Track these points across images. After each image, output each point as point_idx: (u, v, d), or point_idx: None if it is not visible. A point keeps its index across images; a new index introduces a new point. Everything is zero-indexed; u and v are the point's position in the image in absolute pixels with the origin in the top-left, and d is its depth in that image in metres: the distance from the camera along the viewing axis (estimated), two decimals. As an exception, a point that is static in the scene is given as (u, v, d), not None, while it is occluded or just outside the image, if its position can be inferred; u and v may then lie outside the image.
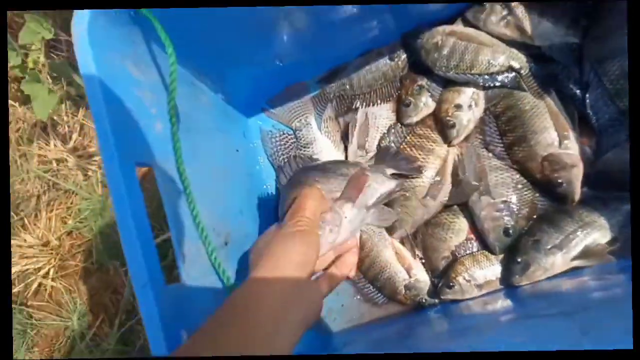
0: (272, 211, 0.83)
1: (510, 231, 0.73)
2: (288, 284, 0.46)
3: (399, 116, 0.85)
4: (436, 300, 0.77)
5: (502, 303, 0.66)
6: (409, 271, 0.79)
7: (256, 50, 0.76)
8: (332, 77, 0.89)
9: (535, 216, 0.75)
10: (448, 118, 0.79)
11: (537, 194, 0.75)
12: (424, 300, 0.77)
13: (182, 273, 0.51)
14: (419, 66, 0.84)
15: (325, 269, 0.60)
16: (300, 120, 0.89)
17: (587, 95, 0.72)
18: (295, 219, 0.54)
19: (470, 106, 0.79)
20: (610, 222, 0.70)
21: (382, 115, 0.87)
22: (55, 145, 1.11)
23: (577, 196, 0.71)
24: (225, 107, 0.82)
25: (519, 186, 0.76)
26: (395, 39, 0.85)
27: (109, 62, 0.52)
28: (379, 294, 0.81)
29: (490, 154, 0.79)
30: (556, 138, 0.72)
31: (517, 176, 0.76)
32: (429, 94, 0.83)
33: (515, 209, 0.74)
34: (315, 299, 0.49)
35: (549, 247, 0.70)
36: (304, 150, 0.87)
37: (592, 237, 0.70)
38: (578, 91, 0.74)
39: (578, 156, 0.72)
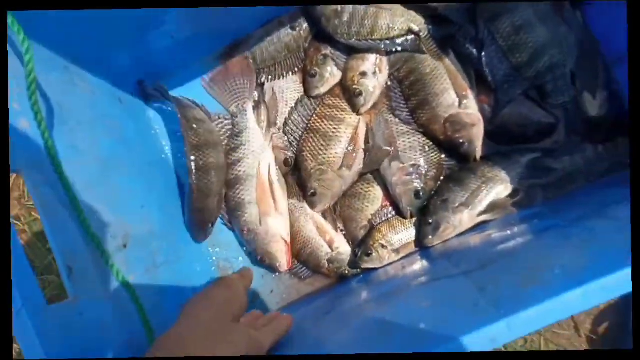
0: (180, 202, 0.79)
1: (421, 193, 0.75)
2: (213, 326, 0.47)
3: (306, 88, 0.82)
4: (358, 270, 0.78)
5: (415, 267, 0.68)
6: (330, 244, 0.79)
7: (142, 26, 0.68)
8: (233, 51, 0.84)
9: (442, 177, 0.77)
10: (354, 86, 0.77)
11: (443, 155, 0.78)
12: (346, 272, 0.78)
13: (70, 288, 0.46)
14: (322, 35, 0.81)
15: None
16: (238, 105, 0.82)
17: (483, 54, 0.74)
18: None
19: (374, 73, 0.78)
20: (510, 175, 0.74)
21: (289, 89, 0.83)
22: None
23: (479, 154, 0.74)
24: (114, 91, 0.74)
25: (426, 148, 0.77)
26: (296, 7, 0.81)
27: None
28: (303, 268, 0.81)
29: (398, 119, 0.79)
30: (456, 99, 0.74)
31: (424, 139, 0.77)
32: (334, 62, 0.80)
33: (423, 172, 0.76)
34: (245, 338, 0.47)
35: (456, 205, 0.73)
36: (235, 140, 0.81)
37: (495, 191, 0.73)
38: (475, 50, 0.75)
39: (478, 115, 0.74)
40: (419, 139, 0.78)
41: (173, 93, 0.84)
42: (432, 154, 0.77)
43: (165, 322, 0.56)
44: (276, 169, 0.80)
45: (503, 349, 0.79)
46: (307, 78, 0.81)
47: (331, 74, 0.80)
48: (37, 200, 0.48)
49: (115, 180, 0.64)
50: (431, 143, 0.77)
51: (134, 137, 0.75)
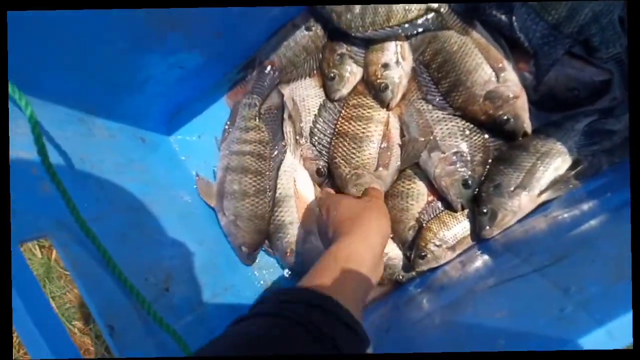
0: (217, 227, 0.77)
1: (469, 182, 0.67)
2: (378, 253, 0.52)
3: (327, 92, 0.77)
4: (413, 274, 0.72)
5: (477, 264, 0.61)
6: None
7: (148, 64, 0.66)
8: (250, 66, 0.81)
9: (490, 159, 0.70)
10: (379, 81, 0.72)
11: (487, 136, 0.70)
12: (401, 277, 0.73)
13: (114, 347, 0.44)
14: (336, 34, 0.76)
15: None
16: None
17: (514, 18, 0.66)
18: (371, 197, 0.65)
19: (397, 62, 0.72)
20: (567, 145, 0.65)
21: (309, 95, 0.79)
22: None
23: (528, 127, 0.66)
24: (134, 131, 0.73)
25: (467, 132, 0.70)
26: (305, 7, 0.76)
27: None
28: None
29: (431, 106, 0.72)
30: (492, 73, 0.67)
31: (463, 122, 0.70)
32: (352, 60, 0.75)
33: (468, 158, 0.69)
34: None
35: (511, 188, 0.65)
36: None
37: (553, 166, 0.65)
38: (503, 16, 0.67)
39: (519, 86, 0.66)
40: (457, 123, 0.70)
41: (196, 121, 0.83)
42: (475, 137, 0.69)
43: None
44: (313, 184, 0.76)
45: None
46: (327, 82, 0.76)
47: (351, 73, 0.75)
48: (68, 261, 0.46)
49: (150, 224, 0.62)
50: (471, 126, 0.70)
51: (162, 174, 0.73)
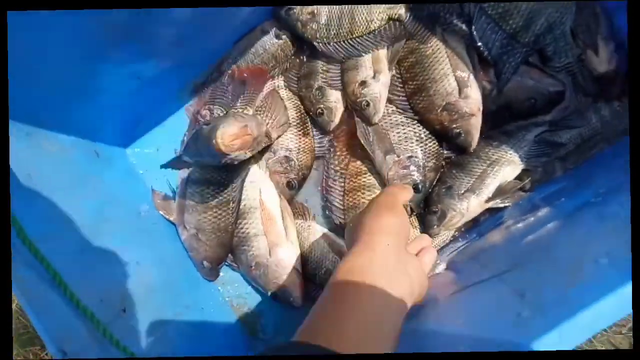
0: (177, 242, 0.75)
1: (420, 186, 0.69)
2: (389, 256, 0.45)
3: (321, 127, 0.76)
4: None
5: (440, 271, 0.62)
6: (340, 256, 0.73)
7: (101, 74, 0.64)
8: (214, 73, 0.79)
9: (442, 166, 0.72)
10: (359, 100, 0.71)
11: (442, 144, 0.72)
12: None
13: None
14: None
15: None
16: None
17: (473, 27, 0.68)
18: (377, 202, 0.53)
19: (374, 77, 0.71)
20: (518, 153, 0.68)
21: (286, 134, 0.77)
22: None
23: (474, 146, 0.68)
24: (88, 145, 0.70)
25: (423, 137, 0.72)
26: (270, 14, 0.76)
27: None
28: (320, 290, 0.75)
29: (391, 109, 0.73)
30: (455, 87, 0.68)
31: (420, 128, 0.72)
32: (331, 87, 0.75)
33: (421, 163, 0.70)
34: (417, 269, 0.46)
35: (462, 191, 0.68)
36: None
37: (502, 174, 0.67)
38: (464, 25, 0.69)
39: (478, 105, 0.68)
40: (414, 128, 0.72)
41: (154, 133, 0.81)
42: (430, 144, 0.72)
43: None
44: (279, 195, 0.75)
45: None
46: (317, 119, 0.75)
47: (336, 100, 0.75)
48: (16, 285, 0.43)
49: (106, 242, 0.59)
50: (428, 132, 0.72)
51: (118, 189, 0.71)
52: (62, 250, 0.50)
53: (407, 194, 0.57)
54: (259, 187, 0.74)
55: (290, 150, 0.75)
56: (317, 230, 0.76)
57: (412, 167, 0.70)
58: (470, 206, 0.67)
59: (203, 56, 0.78)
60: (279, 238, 0.72)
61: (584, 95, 0.68)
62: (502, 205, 0.67)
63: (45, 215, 0.52)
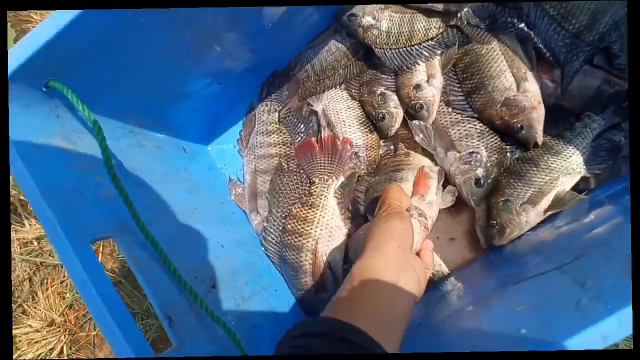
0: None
1: (482, 181, 0.71)
2: (397, 255, 0.50)
3: (381, 132, 0.79)
4: (444, 273, 0.74)
5: (504, 265, 0.65)
6: None
7: (190, 80, 0.73)
8: (289, 71, 0.86)
9: (506, 163, 0.73)
10: (413, 102, 0.74)
11: (504, 139, 0.73)
12: (432, 275, 0.73)
13: (173, 336, 0.50)
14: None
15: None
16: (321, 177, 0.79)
17: (534, 29, 0.69)
18: (385, 207, 0.58)
19: (428, 80, 0.75)
20: (577, 161, 0.68)
21: (342, 108, 0.82)
22: (30, 225, 1.09)
23: (540, 139, 0.69)
24: (177, 142, 0.79)
25: (485, 134, 0.73)
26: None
27: (34, 149, 0.49)
28: None
29: (450, 108, 0.76)
30: (513, 82, 0.70)
31: (480, 125, 0.74)
32: (393, 94, 0.78)
33: (484, 158, 0.72)
34: (421, 267, 0.53)
35: (519, 204, 0.68)
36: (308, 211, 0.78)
37: (561, 183, 0.67)
38: (524, 26, 0.70)
39: (538, 98, 0.69)
40: (474, 125, 0.74)
41: (231, 131, 0.89)
42: (492, 139, 0.73)
43: (262, 349, 0.58)
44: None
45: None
46: (378, 123, 0.79)
47: (397, 107, 0.78)
48: (131, 260, 0.52)
49: (195, 227, 0.68)
50: (488, 128, 0.74)
51: (202, 182, 0.79)
52: (162, 233, 0.58)
53: (409, 201, 0.63)
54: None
55: (358, 147, 0.79)
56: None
57: (473, 162, 0.72)
58: (529, 219, 0.68)
59: (275, 61, 0.85)
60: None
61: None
62: (560, 210, 0.67)
63: (148, 202, 0.61)
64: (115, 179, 0.52)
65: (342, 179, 0.78)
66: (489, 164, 0.72)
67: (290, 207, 0.77)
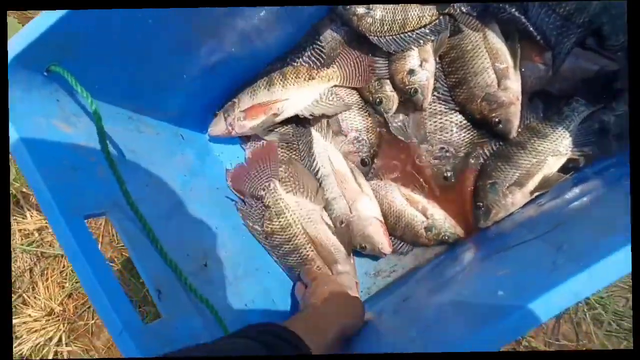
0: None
1: (449, 174, 0.75)
2: (341, 302, 0.62)
3: (380, 115, 0.82)
4: (457, 235, 0.76)
5: (490, 237, 0.66)
6: (424, 212, 0.78)
7: (190, 68, 0.74)
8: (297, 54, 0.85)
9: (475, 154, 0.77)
10: (407, 87, 0.76)
11: (477, 134, 0.76)
12: (446, 237, 0.76)
13: (162, 308, 0.51)
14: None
15: None
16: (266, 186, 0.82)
17: (526, 13, 0.70)
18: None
19: (421, 65, 0.76)
20: (563, 143, 0.69)
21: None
22: (32, 216, 1.11)
23: (514, 134, 0.71)
24: (175, 129, 0.81)
25: (460, 128, 0.76)
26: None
27: (33, 128, 0.51)
28: (402, 243, 0.81)
29: (434, 96, 0.78)
30: (494, 79, 0.72)
31: (458, 118, 0.76)
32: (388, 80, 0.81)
33: (453, 152, 0.76)
34: (358, 311, 0.61)
35: (506, 186, 0.70)
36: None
37: (549, 165, 0.69)
38: (516, 12, 0.71)
39: (516, 95, 0.71)
40: (450, 118, 0.77)
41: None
42: (465, 133, 0.76)
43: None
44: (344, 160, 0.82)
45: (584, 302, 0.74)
46: (375, 108, 0.82)
47: (392, 90, 0.81)
48: (123, 233, 0.53)
49: (191, 207, 0.69)
50: (465, 122, 0.76)
51: (199, 167, 0.81)
52: (158, 209, 0.60)
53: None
54: (327, 155, 0.81)
55: (359, 131, 0.82)
56: (392, 187, 0.81)
57: (442, 159, 0.77)
58: (515, 200, 0.70)
59: (268, 51, 0.86)
60: (355, 194, 0.78)
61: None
62: (545, 190, 0.69)
63: (144, 181, 0.62)
64: (109, 157, 0.54)
65: (282, 174, 0.81)
66: (456, 161, 0.77)
67: (262, 229, 0.79)
